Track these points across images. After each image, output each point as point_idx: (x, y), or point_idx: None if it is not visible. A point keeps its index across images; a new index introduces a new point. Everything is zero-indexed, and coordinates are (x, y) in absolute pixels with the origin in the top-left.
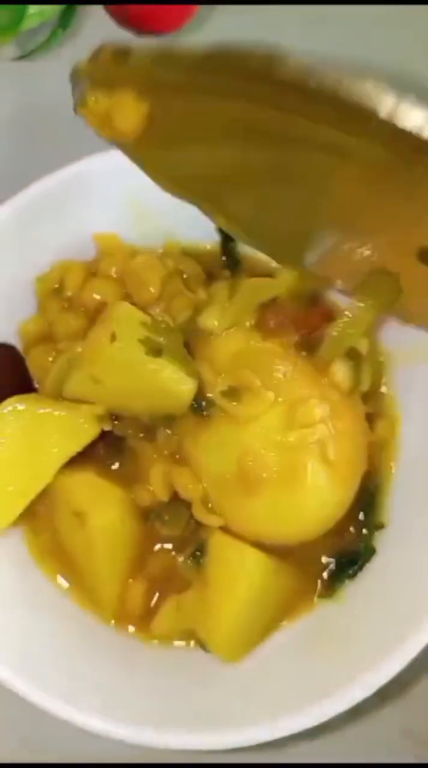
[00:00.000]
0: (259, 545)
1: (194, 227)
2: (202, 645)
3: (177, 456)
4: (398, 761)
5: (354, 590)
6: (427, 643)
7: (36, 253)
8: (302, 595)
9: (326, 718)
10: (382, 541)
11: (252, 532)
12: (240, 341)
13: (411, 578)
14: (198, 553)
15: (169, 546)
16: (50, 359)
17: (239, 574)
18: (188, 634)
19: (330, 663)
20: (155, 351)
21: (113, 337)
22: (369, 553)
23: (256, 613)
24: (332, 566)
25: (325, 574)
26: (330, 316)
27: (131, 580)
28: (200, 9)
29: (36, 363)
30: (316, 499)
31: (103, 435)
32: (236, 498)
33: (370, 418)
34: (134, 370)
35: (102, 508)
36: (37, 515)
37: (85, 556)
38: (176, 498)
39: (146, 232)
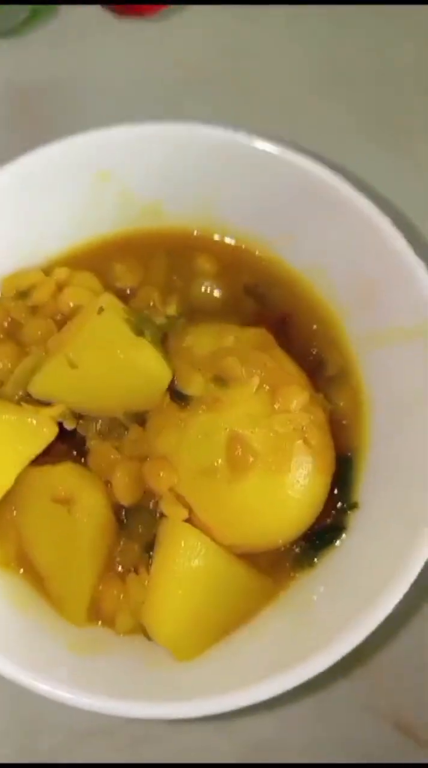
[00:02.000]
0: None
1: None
2: (145, 633)
3: (143, 458)
4: (356, 736)
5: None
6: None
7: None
8: (267, 597)
9: (284, 689)
10: (353, 519)
11: (232, 531)
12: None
13: (376, 555)
14: (151, 547)
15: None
16: (9, 364)
17: (176, 551)
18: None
19: (293, 637)
20: (138, 330)
21: (101, 310)
22: (337, 530)
23: (200, 600)
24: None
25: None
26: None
27: (100, 586)
28: None
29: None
30: (301, 483)
31: (65, 436)
32: (221, 487)
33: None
34: (116, 346)
35: (89, 492)
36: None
37: (66, 547)
38: (140, 504)
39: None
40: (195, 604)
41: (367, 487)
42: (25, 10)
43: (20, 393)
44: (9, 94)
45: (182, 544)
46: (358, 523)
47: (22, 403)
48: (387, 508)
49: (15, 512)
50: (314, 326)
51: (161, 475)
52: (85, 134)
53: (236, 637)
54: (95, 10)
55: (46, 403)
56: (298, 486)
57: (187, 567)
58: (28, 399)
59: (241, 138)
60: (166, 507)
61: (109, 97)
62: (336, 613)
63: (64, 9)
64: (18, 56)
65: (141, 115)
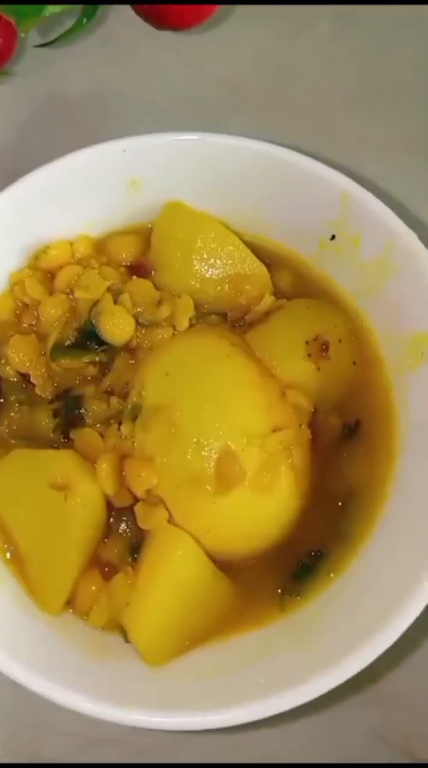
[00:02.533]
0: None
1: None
2: (124, 635)
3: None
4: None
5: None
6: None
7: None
8: (251, 612)
9: (279, 710)
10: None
11: (208, 539)
12: None
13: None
14: (138, 548)
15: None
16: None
17: (170, 559)
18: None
19: (293, 657)
20: None
21: None
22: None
23: (182, 609)
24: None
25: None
26: None
27: (81, 579)
28: (220, 7)
29: (17, 351)
30: (281, 503)
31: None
32: (205, 497)
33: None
34: None
35: (87, 482)
36: None
37: (55, 535)
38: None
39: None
40: (178, 612)
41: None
42: (70, 20)
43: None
44: (52, 102)
45: (178, 553)
46: (370, 547)
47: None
48: (400, 535)
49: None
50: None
51: (142, 475)
52: (115, 141)
53: (242, 653)
54: (139, 22)
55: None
56: (277, 506)
57: (178, 576)
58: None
59: (278, 151)
60: (140, 509)
61: (148, 108)
62: (341, 636)
63: (108, 21)
64: (62, 65)
65: (180, 125)
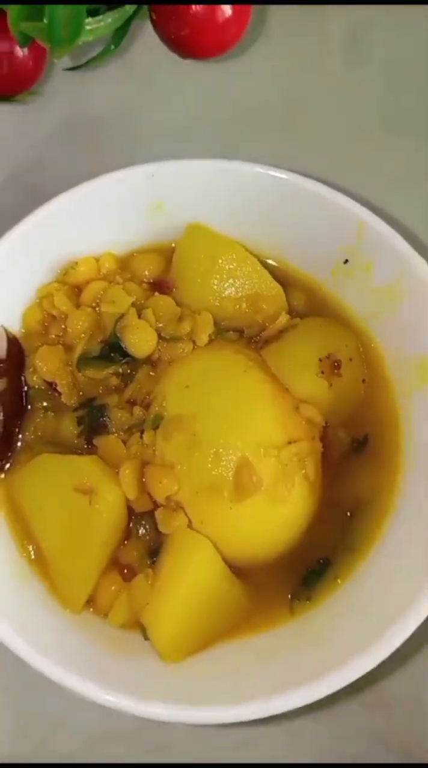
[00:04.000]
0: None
1: None
2: (143, 632)
3: (148, 463)
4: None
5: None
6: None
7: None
8: (262, 614)
9: (288, 708)
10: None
11: (223, 546)
12: None
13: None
14: (156, 551)
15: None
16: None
17: (190, 562)
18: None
19: (302, 658)
20: None
21: None
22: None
23: (199, 609)
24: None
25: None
26: None
27: (102, 579)
28: (243, 37)
29: (44, 360)
30: (294, 511)
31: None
32: (224, 505)
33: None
34: None
35: (111, 487)
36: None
37: (79, 537)
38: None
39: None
40: (195, 612)
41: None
42: (99, 46)
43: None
44: (76, 122)
45: (198, 556)
46: (375, 555)
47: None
48: (405, 545)
49: (26, 496)
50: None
51: (163, 482)
52: (142, 166)
53: (254, 654)
54: (161, 49)
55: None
56: (291, 514)
57: (197, 578)
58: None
59: (299, 180)
60: (161, 514)
61: (168, 132)
62: (348, 639)
63: (133, 48)
64: (87, 88)
65: (199, 149)
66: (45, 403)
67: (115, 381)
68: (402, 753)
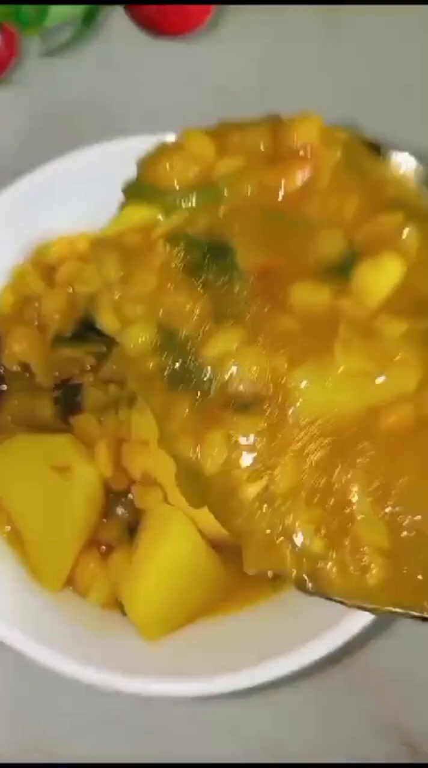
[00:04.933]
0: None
1: None
2: (121, 609)
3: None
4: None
5: None
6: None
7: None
8: (243, 591)
9: (275, 675)
10: None
11: (203, 518)
12: None
13: None
14: (135, 530)
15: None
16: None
17: (166, 535)
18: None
19: (284, 630)
20: None
21: None
22: None
23: (177, 583)
24: None
25: None
26: None
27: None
28: (214, 13)
29: (19, 341)
30: None
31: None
32: None
33: None
34: None
35: (86, 464)
36: None
37: (56, 515)
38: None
39: None
40: (174, 587)
41: None
42: (68, 31)
43: None
44: (51, 109)
45: (174, 529)
46: None
47: None
48: None
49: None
50: None
51: (138, 458)
52: (115, 141)
53: (236, 628)
54: (136, 33)
55: None
56: None
57: (175, 550)
58: None
59: None
60: (137, 490)
61: (146, 114)
62: (329, 609)
63: (106, 30)
64: (60, 74)
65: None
66: (20, 385)
67: (91, 360)
68: (395, 735)
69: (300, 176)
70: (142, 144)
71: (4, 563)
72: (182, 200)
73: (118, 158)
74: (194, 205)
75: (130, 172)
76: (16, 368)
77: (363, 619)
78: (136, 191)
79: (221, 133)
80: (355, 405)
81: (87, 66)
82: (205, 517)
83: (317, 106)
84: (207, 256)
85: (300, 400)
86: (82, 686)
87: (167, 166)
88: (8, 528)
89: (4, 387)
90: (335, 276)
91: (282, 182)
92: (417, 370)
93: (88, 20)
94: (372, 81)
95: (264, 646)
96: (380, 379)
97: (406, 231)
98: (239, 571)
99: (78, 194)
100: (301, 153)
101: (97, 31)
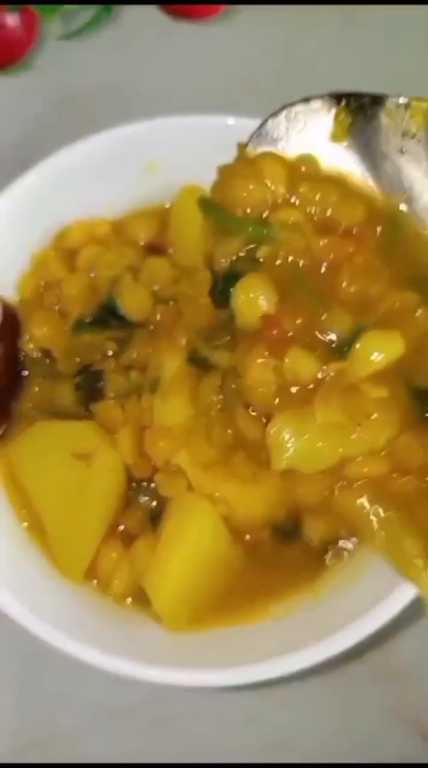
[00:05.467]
0: None
1: None
2: (145, 597)
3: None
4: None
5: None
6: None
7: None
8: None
9: (295, 669)
10: None
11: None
12: None
13: None
14: (157, 517)
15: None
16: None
17: (191, 523)
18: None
19: (307, 621)
20: None
21: None
22: None
23: (201, 572)
24: None
25: None
26: None
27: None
28: None
29: (40, 327)
30: None
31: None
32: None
33: None
34: None
35: (108, 451)
36: None
37: (77, 503)
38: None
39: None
40: (197, 576)
41: None
42: (87, 15)
43: None
44: (69, 93)
45: (199, 517)
46: None
47: None
48: None
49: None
50: None
51: (161, 445)
52: (133, 124)
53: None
54: (153, 14)
55: None
56: None
57: (199, 539)
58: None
59: None
60: (161, 478)
61: (163, 98)
62: (353, 601)
63: (124, 13)
64: (78, 58)
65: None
66: (41, 371)
67: (111, 346)
68: (416, 727)
69: (345, 256)
70: (158, 128)
71: (26, 552)
72: (240, 226)
73: (135, 142)
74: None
75: (148, 153)
76: (36, 354)
77: (388, 612)
78: (207, 205)
79: (296, 172)
80: (329, 456)
81: (104, 51)
82: (233, 503)
83: (327, 89)
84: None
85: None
86: (100, 679)
87: (239, 188)
88: (30, 517)
89: (25, 372)
90: (335, 351)
91: (330, 256)
92: (391, 429)
93: (108, 4)
94: (388, 68)
95: (288, 638)
96: (354, 435)
97: (419, 312)
98: (260, 560)
99: (96, 179)
100: (354, 231)
101: (115, 15)
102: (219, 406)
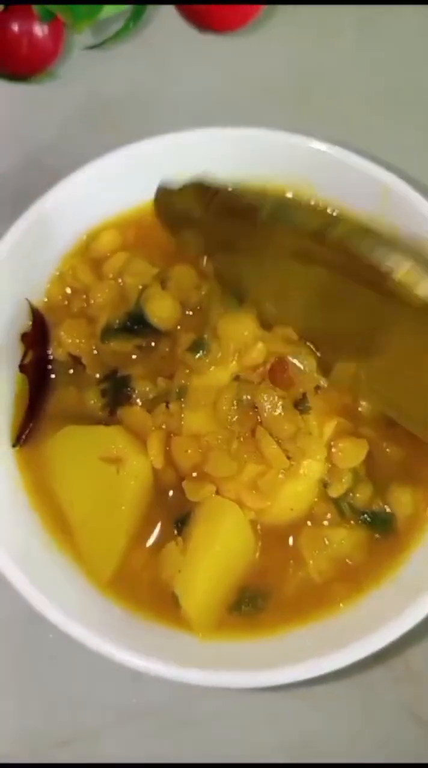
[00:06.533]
0: None
1: None
2: (175, 601)
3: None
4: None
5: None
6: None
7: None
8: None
9: (322, 672)
10: None
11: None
12: None
13: None
14: (182, 521)
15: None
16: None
17: (220, 528)
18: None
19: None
20: None
21: None
22: None
23: (230, 576)
24: None
25: None
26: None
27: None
28: (262, 10)
29: (69, 333)
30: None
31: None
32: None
33: None
34: None
35: (138, 456)
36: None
37: (106, 507)
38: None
39: None
40: (227, 581)
41: None
42: (116, 24)
43: None
44: (94, 102)
45: (229, 521)
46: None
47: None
48: None
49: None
50: None
51: (189, 452)
52: (166, 135)
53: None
54: (179, 25)
55: None
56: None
57: (229, 543)
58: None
59: (323, 147)
60: (188, 484)
61: (186, 108)
62: (379, 606)
63: (150, 25)
64: (104, 68)
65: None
66: (69, 376)
67: (139, 353)
68: None
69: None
70: (187, 138)
71: (55, 553)
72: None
73: (165, 152)
74: None
75: (177, 164)
76: (65, 359)
77: (412, 619)
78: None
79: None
80: None
81: (130, 61)
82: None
83: (352, 105)
84: None
85: None
86: (124, 679)
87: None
88: (58, 522)
89: (53, 378)
90: None
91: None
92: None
93: (137, 15)
94: (403, 82)
95: (314, 640)
96: None
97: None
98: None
99: (125, 187)
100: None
101: (142, 27)
102: (236, 417)
